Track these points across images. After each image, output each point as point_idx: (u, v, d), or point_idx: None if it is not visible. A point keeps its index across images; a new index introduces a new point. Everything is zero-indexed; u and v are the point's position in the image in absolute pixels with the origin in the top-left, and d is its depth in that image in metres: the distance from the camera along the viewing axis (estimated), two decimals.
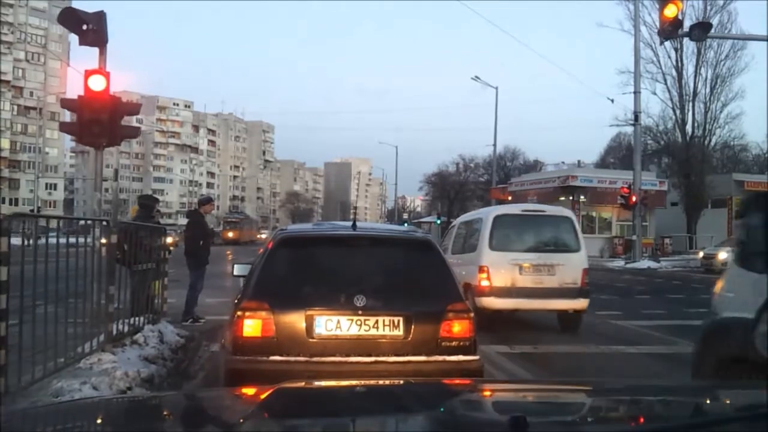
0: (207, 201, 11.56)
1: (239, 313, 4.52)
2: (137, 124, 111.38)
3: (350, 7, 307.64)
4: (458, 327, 4.59)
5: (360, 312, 4.47)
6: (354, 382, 2.42)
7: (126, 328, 7.02)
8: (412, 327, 4.50)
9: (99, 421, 1.69)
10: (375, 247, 5.11)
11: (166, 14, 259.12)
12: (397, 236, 5.73)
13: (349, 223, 5.21)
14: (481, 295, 9.78)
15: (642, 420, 1.64)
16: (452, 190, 64.99)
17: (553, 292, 9.73)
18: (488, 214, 10.94)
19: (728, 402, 1.84)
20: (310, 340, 4.43)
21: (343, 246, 5.06)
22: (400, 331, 4.50)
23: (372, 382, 2.64)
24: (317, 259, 4.92)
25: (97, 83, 6.89)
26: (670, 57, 28.44)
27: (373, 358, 4.42)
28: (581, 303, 9.84)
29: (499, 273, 9.78)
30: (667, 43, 28.69)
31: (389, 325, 4.50)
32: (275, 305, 4.46)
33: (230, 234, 62.21)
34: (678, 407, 1.79)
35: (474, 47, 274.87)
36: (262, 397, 1.78)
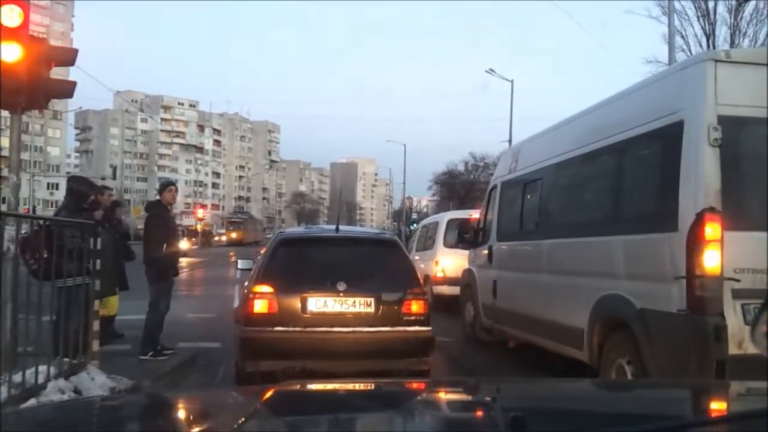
0: (162, 187, 8.18)
1: (250, 295, 5.77)
2: (144, 125, 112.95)
3: (352, 6, 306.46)
4: (416, 306, 5.89)
5: (341, 294, 5.75)
6: (351, 383, 2.38)
7: (6, 393, 4.36)
8: (381, 305, 5.81)
9: (98, 421, 1.67)
10: (353, 245, 6.57)
11: (170, 13, 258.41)
12: (370, 237, 7.49)
13: (334, 226, 6.66)
14: (436, 284, 12.23)
15: (642, 420, 1.58)
16: (462, 189, 62.89)
17: None
18: (442, 218, 13.73)
19: (728, 402, 1.81)
20: (304, 315, 5.69)
21: (328, 244, 6.49)
22: (371, 309, 5.80)
23: (370, 381, 2.65)
24: (309, 254, 6.27)
25: (10, 17, 4.84)
26: (701, 45, 26.02)
27: (351, 329, 5.71)
28: None
29: (451, 266, 11.90)
30: (698, 30, 26.34)
31: (363, 304, 5.79)
32: (278, 289, 5.72)
33: (233, 234, 60.80)
34: (678, 407, 1.78)
35: (487, 39, 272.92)
36: (259, 397, 1.77)
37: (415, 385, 2.27)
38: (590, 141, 6.08)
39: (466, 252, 12.38)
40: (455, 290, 11.32)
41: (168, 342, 7.55)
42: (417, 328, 5.86)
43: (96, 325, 5.94)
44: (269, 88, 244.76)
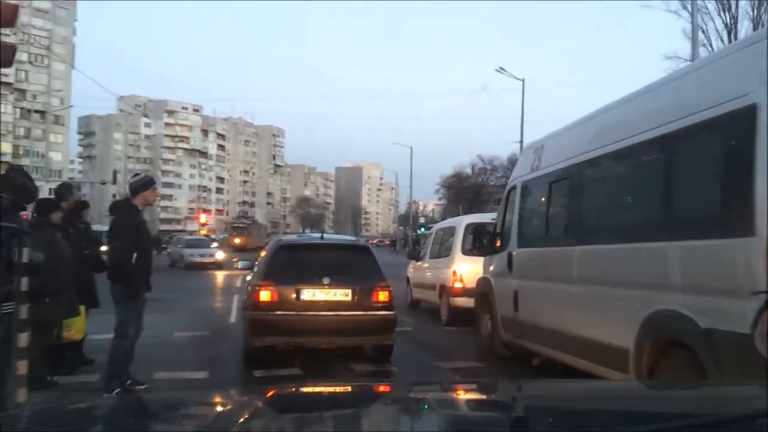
0: (146, 185, 6.52)
1: (257, 288, 7.42)
2: (148, 129, 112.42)
3: (358, 6, 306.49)
4: (382, 295, 7.53)
5: (326, 286, 7.36)
6: (351, 384, 2.44)
7: None
8: (356, 295, 7.44)
9: (98, 421, 1.69)
10: (334, 250, 8.27)
11: (174, 18, 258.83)
12: (346, 243, 9.01)
13: (319, 235, 8.93)
14: (454, 296, 11.33)
15: (642, 420, 1.58)
16: (471, 192, 61.96)
17: None
18: (460, 222, 12.39)
19: (728, 402, 1.79)
20: (298, 302, 7.30)
21: (315, 249, 8.11)
22: (349, 297, 7.42)
23: (367, 383, 2.73)
24: (301, 256, 7.98)
25: None
26: (722, 39, 25.23)
27: (333, 312, 7.32)
28: None
29: (470, 275, 10.54)
30: (719, 24, 25.63)
31: (343, 294, 7.42)
32: (278, 283, 7.34)
33: (237, 240, 60.05)
34: (678, 407, 1.75)
35: (492, 39, 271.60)
36: (260, 398, 1.80)
37: (416, 387, 2.28)
38: (635, 132, 5.22)
39: None
40: None
41: (142, 372, 6.38)
42: (383, 312, 7.51)
43: (23, 367, 4.50)
44: (273, 93, 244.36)
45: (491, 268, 8.60)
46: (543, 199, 7.21)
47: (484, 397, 2.02)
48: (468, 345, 9.17)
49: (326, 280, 7.31)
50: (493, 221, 11.76)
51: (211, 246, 34.33)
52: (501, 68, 32.97)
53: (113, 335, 6.13)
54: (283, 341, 7.23)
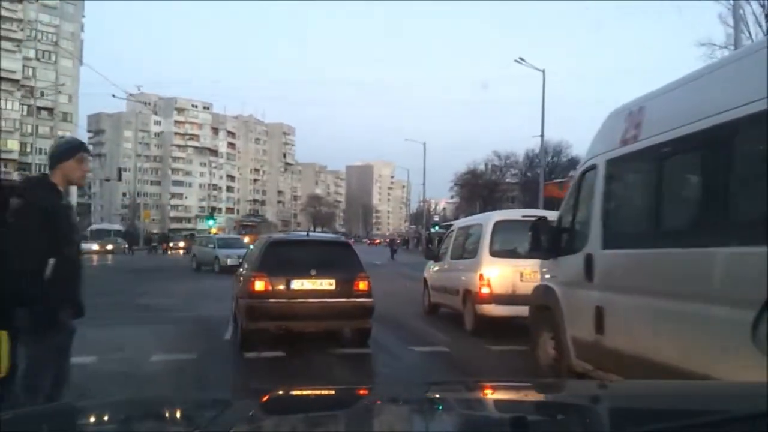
0: (68, 152, 4.04)
1: (252, 279, 8.30)
2: (158, 127, 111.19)
3: (365, 5, 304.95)
4: (362, 285, 8.52)
5: (313, 277, 8.32)
6: (348, 386, 2.35)
7: None
8: (339, 284, 8.41)
9: (98, 421, 1.68)
10: (319, 245, 9.63)
11: (184, 16, 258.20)
12: (329, 240, 10.70)
13: (306, 233, 10.80)
14: (481, 303, 10.03)
15: (642, 420, 1.59)
16: (485, 189, 60.27)
17: None
18: (488, 220, 11.01)
19: (728, 402, 1.77)
20: (288, 291, 8.24)
21: (303, 244, 9.44)
22: (333, 287, 8.39)
23: (366, 383, 2.64)
24: (290, 251, 9.04)
25: None
26: (760, 25, 23.61)
27: (319, 300, 8.27)
28: None
29: (500, 279, 9.85)
30: (757, 9, 23.95)
31: (327, 284, 8.38)
32: (270, 274, 8.26)
33: (246, 238, 59.00)
34: (678, 407, 1.73)
35: (507, 34, 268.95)
36: (256, 402, 1.80)
37: (412, 386, 2.24)
38: None
39: (517, 261, 9.84)
40: (506, 310, 9.58)
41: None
42: (363, 299, 8.47)
43: None
44: (284, 90, 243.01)
45: (555, 274, 6.67)
46: (648, 181, 5.24)
47: (484, 397, 1.99)
48: (524, 372, 7.22)
49: (313, 272, 8.32)
50: (525, 218, 9.79)
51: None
52: (521, 59, 32.22)
53: (19, 389, 3.70)
54: (275, 325, 8.21)
